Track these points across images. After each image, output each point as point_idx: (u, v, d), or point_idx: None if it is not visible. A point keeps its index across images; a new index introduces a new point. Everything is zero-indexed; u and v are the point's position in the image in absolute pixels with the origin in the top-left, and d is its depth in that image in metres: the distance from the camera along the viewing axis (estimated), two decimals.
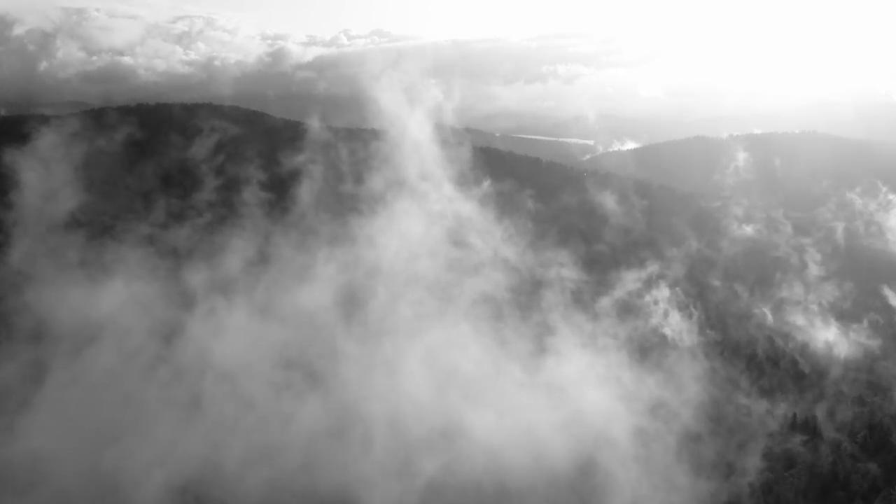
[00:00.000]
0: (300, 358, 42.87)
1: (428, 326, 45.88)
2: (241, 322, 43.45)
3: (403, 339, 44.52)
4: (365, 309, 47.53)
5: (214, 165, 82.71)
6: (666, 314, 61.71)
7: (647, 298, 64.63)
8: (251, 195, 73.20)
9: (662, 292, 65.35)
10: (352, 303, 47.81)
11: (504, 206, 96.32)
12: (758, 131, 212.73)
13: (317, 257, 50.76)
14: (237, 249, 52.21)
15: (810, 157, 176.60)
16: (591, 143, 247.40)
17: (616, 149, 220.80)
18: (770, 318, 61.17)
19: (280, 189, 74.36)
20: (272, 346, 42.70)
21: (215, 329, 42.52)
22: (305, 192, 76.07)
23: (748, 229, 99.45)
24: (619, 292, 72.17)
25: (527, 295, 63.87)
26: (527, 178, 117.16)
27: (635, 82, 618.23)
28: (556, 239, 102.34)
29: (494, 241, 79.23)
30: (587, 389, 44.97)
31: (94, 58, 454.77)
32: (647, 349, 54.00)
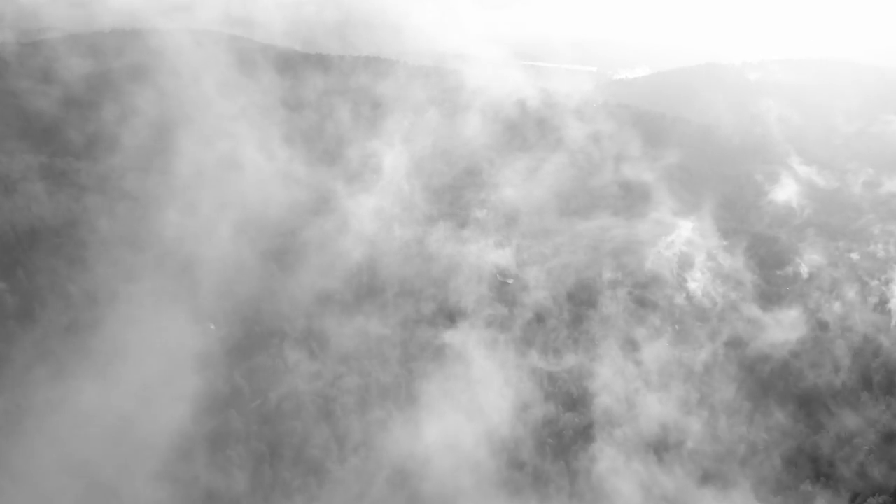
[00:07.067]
0: None
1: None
2: None
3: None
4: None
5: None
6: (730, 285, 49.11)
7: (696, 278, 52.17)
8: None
9: (715, 264, 52.88)
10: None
11: (506, 143, 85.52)
12: (774, 57, 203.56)
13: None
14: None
15: (834, 83, 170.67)
16: (593, 69, 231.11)
17: (623, 76, 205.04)
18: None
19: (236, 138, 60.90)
20: None
21: None
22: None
23: (810, 171, 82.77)
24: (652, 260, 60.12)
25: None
26: (532, 111, 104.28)
27: (633, 4, 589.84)
28: (570, 186, 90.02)
29: (500, 188, 68.48)
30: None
31: None
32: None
